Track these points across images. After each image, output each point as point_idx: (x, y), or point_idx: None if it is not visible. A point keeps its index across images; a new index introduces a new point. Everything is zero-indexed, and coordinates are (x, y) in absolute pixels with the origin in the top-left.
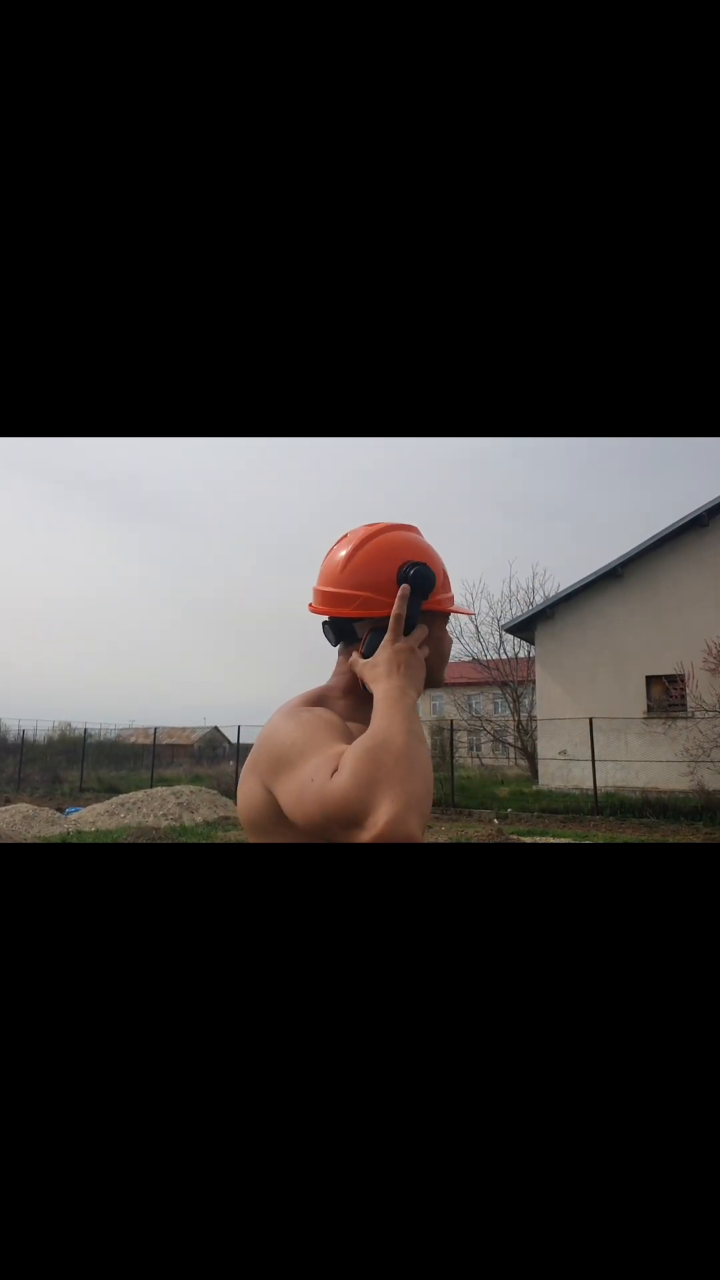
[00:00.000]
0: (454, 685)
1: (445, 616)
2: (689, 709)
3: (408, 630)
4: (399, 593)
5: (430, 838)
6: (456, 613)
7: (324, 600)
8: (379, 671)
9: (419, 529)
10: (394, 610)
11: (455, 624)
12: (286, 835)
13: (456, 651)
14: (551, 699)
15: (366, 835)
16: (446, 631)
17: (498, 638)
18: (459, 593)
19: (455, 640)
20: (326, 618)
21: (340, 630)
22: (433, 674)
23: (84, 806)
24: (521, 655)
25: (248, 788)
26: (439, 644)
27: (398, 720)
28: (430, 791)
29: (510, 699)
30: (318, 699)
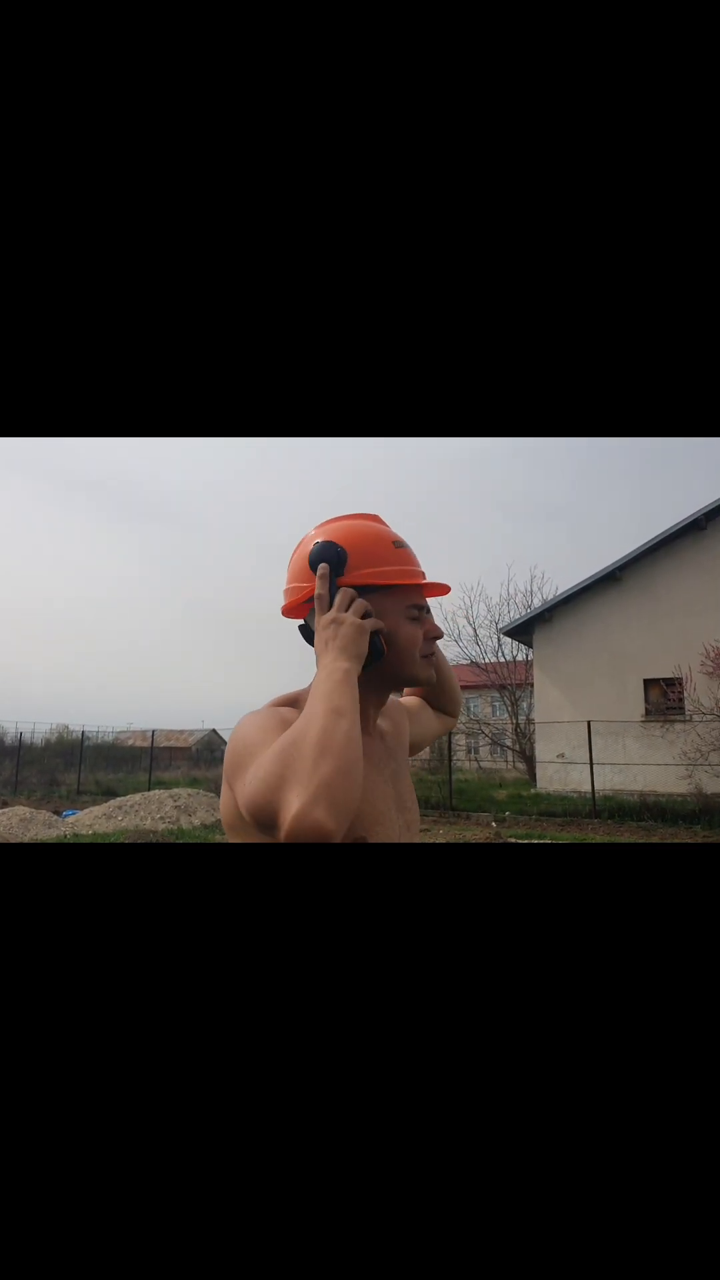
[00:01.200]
0: None
1: (395, 593)
2: (687, 712)
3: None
4: (318, 573)
5: (428, 840)
6: (394, 583)
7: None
8: (319, 656)
9: (379, 517)
10: (315, 591)
11: (454, 627)
12: (260, 838)
13: (454, 655)
14: (549, 702)
15: (280, 835)
16: (410, 617)
17: (496, 641)
18: (459, 595)
19: (454, 643)
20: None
21: (303, 630)
22: (395, 665)
23: (81, 809)
24: (519, 658)
25: (224, 792)
26: (393, 631)
27: (318, 703)
28: (348, 769)
29: (508, 702)
30: (291, 700)
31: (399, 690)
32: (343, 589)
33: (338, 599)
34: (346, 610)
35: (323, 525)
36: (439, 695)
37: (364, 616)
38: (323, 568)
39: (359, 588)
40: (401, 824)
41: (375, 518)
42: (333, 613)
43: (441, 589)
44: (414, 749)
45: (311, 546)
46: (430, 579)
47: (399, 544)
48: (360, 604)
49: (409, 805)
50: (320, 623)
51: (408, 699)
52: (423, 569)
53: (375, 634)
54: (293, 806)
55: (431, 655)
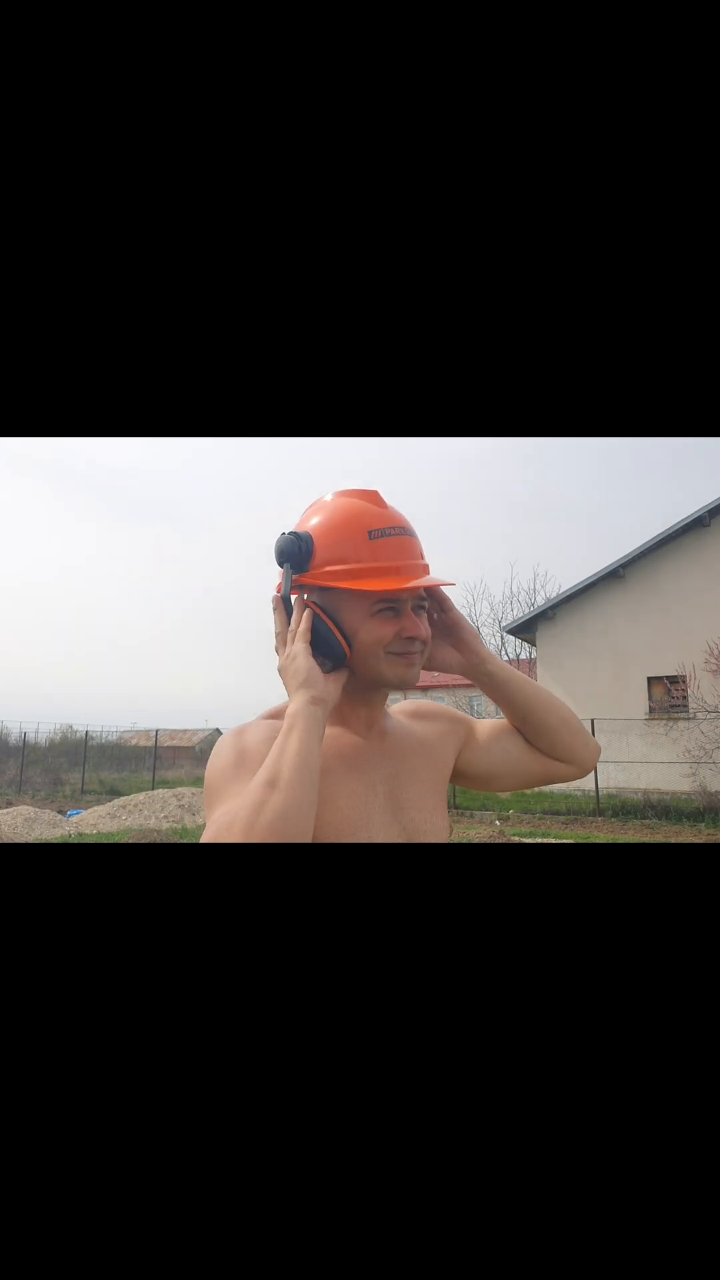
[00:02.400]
0: (455, 687)
1: (366, 595)
2: (690, 710)
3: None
4: (272, 602)
5: None
6: (350, 586)
7: None
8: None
9: (375, 496)
10: (274, 621)
11: None
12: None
13: None
14: None
15: None
16: (375, 613)
17: (499, 639)
18: (462, 593)
19: None
20: None
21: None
22: (359, 666)
23: (85, 809)
24: (523, 656)
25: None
26: (354, 631)
27: (261, 771)
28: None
29: None
30: (280, 712)
31: (376, 691)
32: (297, 604)
33: (277, 621)
34: (297, 632)
35: (316, 503)
36: (529, 728)
37: (328, 618)
38: (275, 599)
39: (322, 588)
40: (396, 830)
41: (370, 496)
42: (283, 644)
43: (417, 586)
44: (478, 779)
45: (279, 537)
46: (434, 574)
47: (380, 533)
48: (307, 619)
49: (413, 813)
50: (280, 655)
51: (488, 720)
52: (414, 558)
53: (330, 636)
54: None
55: (408, 654)
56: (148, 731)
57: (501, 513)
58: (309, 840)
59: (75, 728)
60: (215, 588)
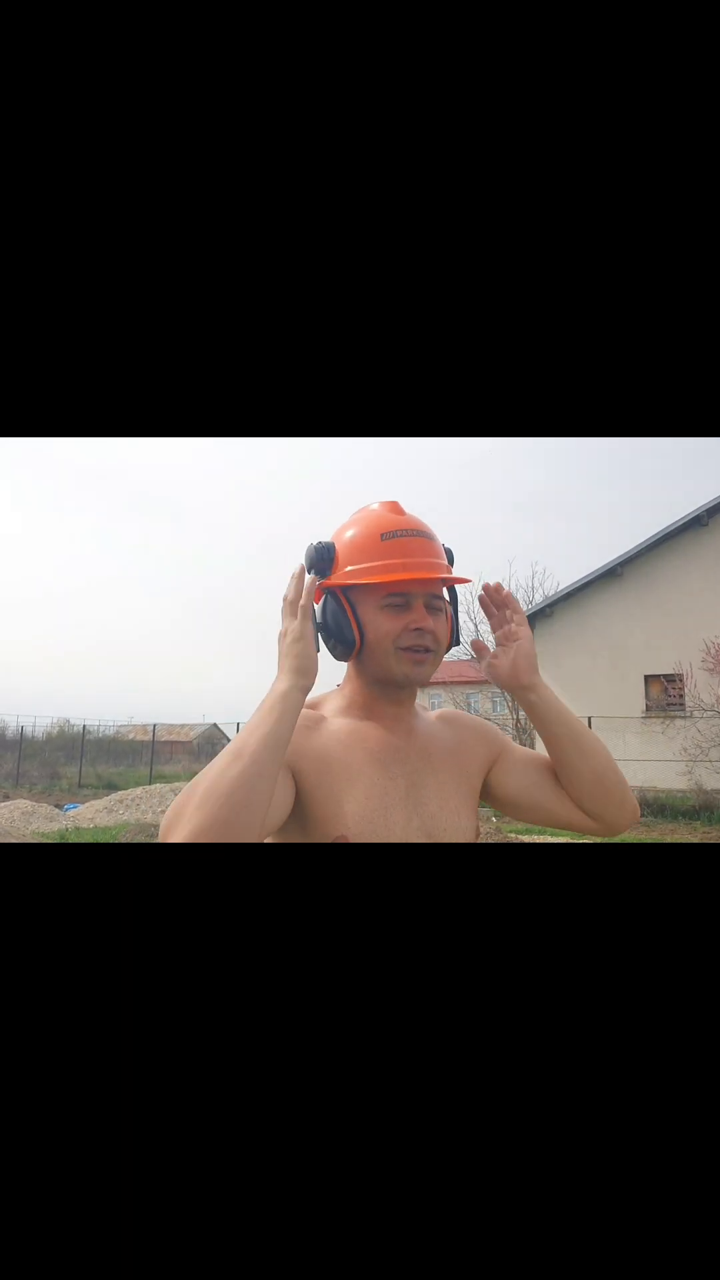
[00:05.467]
0: (453, 684)
1: (372, 586)
2: (687, 708)
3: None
4: (291, 575)
5: None
6: (363, 581)
7: None
8: None
9: (395, 505)
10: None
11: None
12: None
13: (455, 650)
14: None
15: None
16: (384, 608)
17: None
18: (459, 591)
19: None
20: None
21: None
22: (369, 659)
23: (82, 803)
24: None
25: None
26: (367, 625)
27: (232, 743)
28: (223, 818)
29: (509, 698)
30: (318, 700)
31: (394, 685)
32: (305, 588)
33: (302, 611)
34: (298, 608)
35: (351, 517)
36: (561, 770)
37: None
38: (299, 570)
39: (345, 587)
40: (415, 824)
41: (390, 505)
42: (287, 625)
43: (400, 578)
44: (503, 803)
45: (307, 547)
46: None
47: (392, 535)
48: (303, 594)
49: (433, 809)
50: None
51: (528, 753)
52: (425, 556)
53: (345, 623)
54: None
55: (416, 650)
56: (145, 726)
57: (500, 510)
58: (264, 807)
59: (72, 722)
60: (214, 582)
